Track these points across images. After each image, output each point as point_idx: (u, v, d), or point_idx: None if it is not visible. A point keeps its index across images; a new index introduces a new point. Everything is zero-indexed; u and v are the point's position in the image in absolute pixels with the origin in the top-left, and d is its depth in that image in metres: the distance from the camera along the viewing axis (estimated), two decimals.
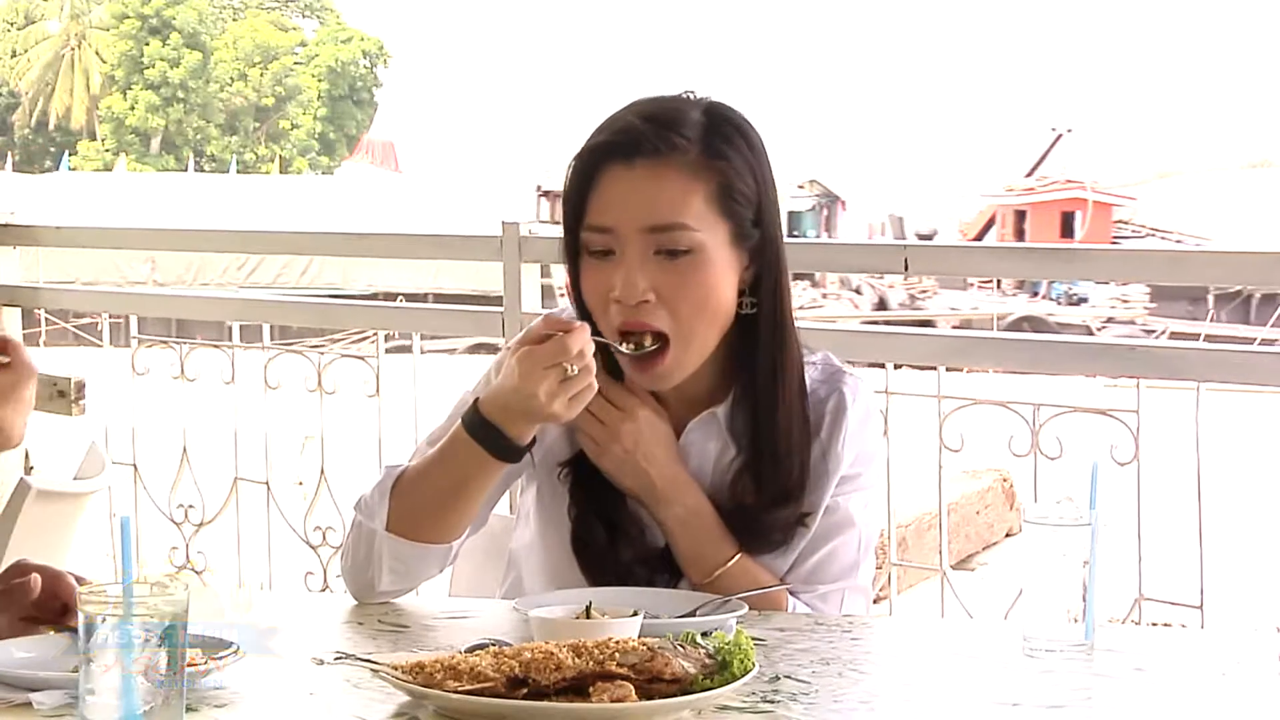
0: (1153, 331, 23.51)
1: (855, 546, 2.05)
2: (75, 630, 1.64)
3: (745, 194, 1.96)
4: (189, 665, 1.46)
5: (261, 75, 59.72)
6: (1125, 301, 26.51)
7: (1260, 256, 2.98)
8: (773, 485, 1.99)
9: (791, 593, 2.02)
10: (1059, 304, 27.39)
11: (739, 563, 1.99)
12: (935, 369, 3.20)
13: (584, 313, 1.99)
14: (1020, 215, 31.65)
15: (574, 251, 1.98)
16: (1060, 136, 36.81)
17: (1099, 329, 24.52)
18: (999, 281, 26.38)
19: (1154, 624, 3.14)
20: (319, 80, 60.19)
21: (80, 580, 1.70)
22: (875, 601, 2.78)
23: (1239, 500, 7.30)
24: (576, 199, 1.95)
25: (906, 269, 3.23)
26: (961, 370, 3.51)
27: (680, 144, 1.92)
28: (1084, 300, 27.24)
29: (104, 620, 1.38)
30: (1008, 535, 9.28)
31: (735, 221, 1.95)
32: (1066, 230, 30.10)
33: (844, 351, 3.49)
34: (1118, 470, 2.88)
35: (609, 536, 2.01)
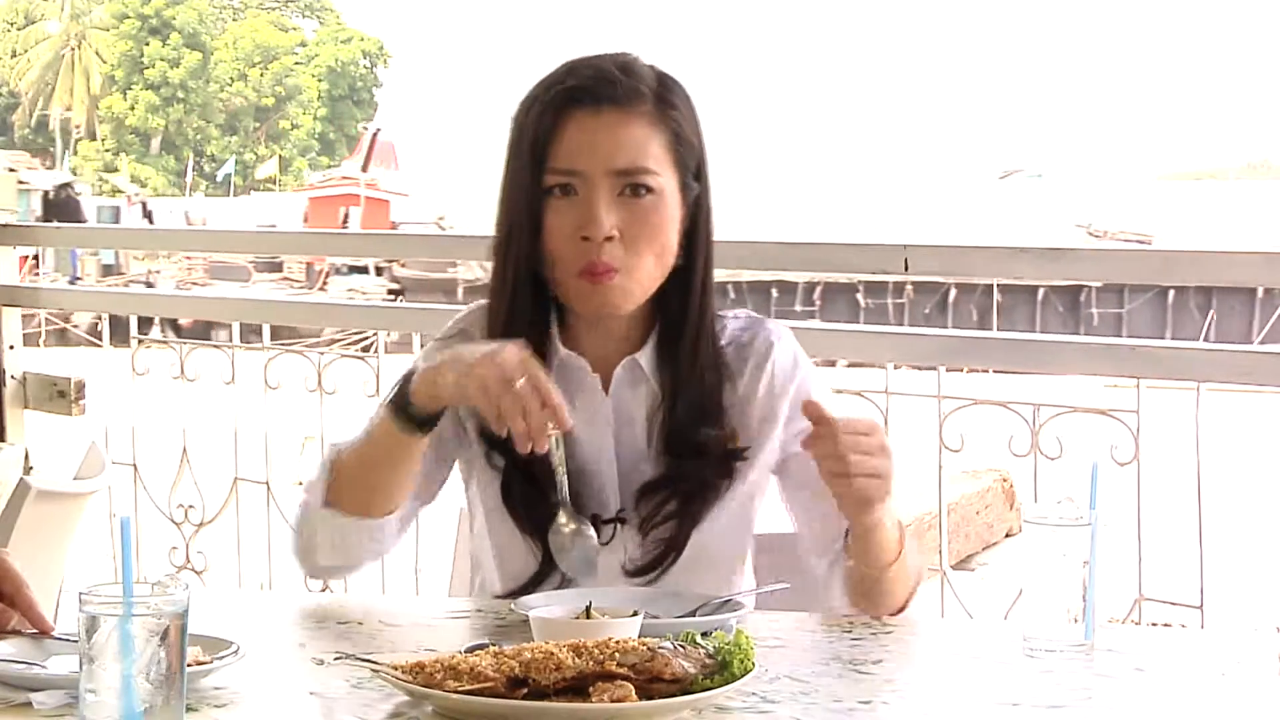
0: None
1: None
2: (39, 634, 1.65)
3: (692, 146, 2.03)
4: (189, 665, 1.46)
5: (261, 75, 59.73)
6: (363, 292, 28.68)
7: (1253, 257, 2.98)
8: (698, 410, 2.04)
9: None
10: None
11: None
12: (935, 369, 3.20)
13: (530, 269, 2.00)
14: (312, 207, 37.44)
15: (530, 193, 1.99)
16: (376, 134, 41.02)
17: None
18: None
19: (1154, 624, 3.14)
20: (319, 80, 60.21)
21: (23, 599, 1.69)
22: None
23: (1239, 500, 7.30)
24: (542, 142, 1.98)
25: (907, 268, 3.23)
26: (961, 370, 3.50)
27: (644, 92, 2.00)
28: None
29: (105, 620, 1.38)
30: (1007, 535, 9.30)
31: (682, 172, 2.02)
32: (345, 222, 34.55)
33: (844, 351, 3.50)
34: (1118, 470, 2.88)
35: (535, 481, 2.03)
